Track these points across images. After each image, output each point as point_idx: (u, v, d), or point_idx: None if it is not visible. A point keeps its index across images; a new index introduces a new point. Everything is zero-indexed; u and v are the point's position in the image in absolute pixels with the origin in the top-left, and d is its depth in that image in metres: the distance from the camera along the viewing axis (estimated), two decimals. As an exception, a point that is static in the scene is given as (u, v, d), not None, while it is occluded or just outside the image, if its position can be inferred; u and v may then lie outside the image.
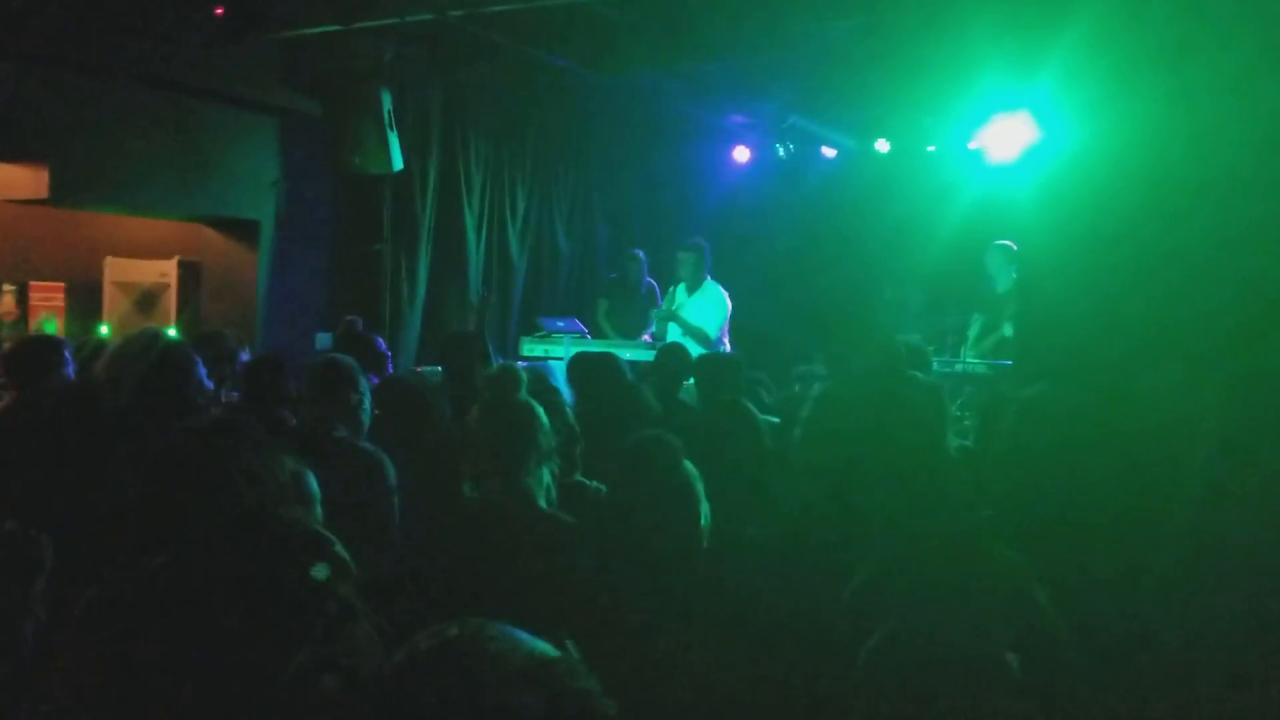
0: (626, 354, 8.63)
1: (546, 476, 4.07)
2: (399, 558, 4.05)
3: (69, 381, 5.27)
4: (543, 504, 3.98)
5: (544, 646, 1.38)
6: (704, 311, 10.07)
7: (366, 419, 4.90)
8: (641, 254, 11.52)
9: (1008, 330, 10.00)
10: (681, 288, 10.36)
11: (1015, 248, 10.05)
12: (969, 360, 10.09)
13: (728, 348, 9.98)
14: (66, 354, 5.40)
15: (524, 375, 5.37)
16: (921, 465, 2.90)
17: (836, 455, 3.06)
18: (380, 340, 7.64)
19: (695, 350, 8.50)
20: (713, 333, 9.96)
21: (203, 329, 7.67)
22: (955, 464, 3.97)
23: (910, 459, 2.84)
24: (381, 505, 4.48)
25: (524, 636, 1.39)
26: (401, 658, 1.36)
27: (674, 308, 10.21)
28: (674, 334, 9.92)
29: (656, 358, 7.34)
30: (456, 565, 3.71)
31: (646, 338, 10.58)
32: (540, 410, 4.16)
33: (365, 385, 4.94)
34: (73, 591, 2.71)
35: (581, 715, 1.34)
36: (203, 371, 4.73)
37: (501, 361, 6.52)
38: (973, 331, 10.47)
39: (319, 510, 3.28)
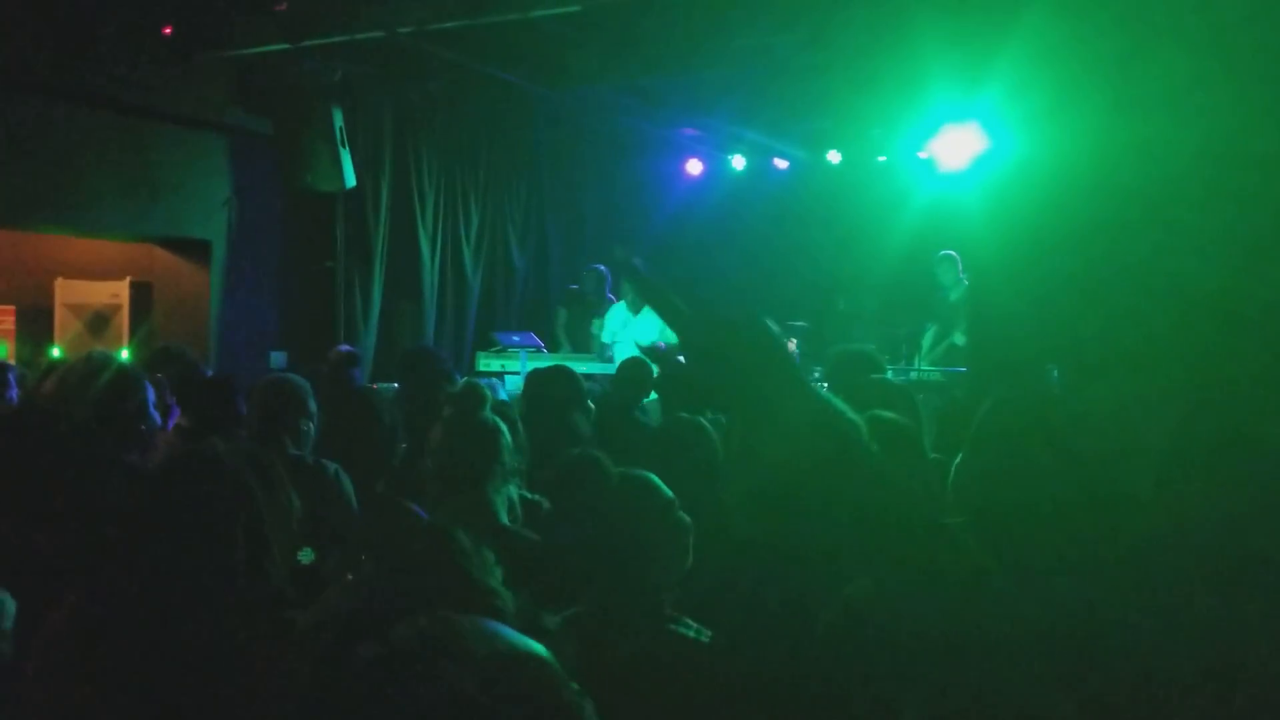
0: (582, 368, 8.65)
1: (513, 493, 4.08)
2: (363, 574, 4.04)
3: (12, 405, 5.23)
4: (505, 520, 3.98)
5: (522, 643, 1.36)
6: (656, 328, 10.12)
7: (310, 440, 4.91)
8: (603, 268, 11.56)
9: (958, 338, 10.12)
10: (622, 306, 10.42)
11: (957, 256, 10.23)
12: (923, 368, 10.19)
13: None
14: (11, 378, 5.35)
15: (488, 393, 5.36)
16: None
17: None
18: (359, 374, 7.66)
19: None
20: None
21: (164, 346, 7.61)
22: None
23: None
24: (343, 520, 4.48)
25: (503, 632, 1.37)
26: (375, 646, 1.35)
27: (622, 327, 10.26)
28: (626, 346, 9.99)
29: (618, 371, 7.34)
30: (420, 583, 3.70)
31: (609, 357, 10.63)
32: (504, 428, 4.16)
33: (315, 408, 4.94)
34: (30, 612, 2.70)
35: (548, 715, 1.32)
36: (151, 400, 4.66)
37: (464, 379, 6.49)
38: (926, 340, 10.58)
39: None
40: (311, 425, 4.91)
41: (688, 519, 2.99)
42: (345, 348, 9.00)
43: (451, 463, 4.04)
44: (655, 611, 2.83)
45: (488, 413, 4.51)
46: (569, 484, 3.99)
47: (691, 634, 2.82)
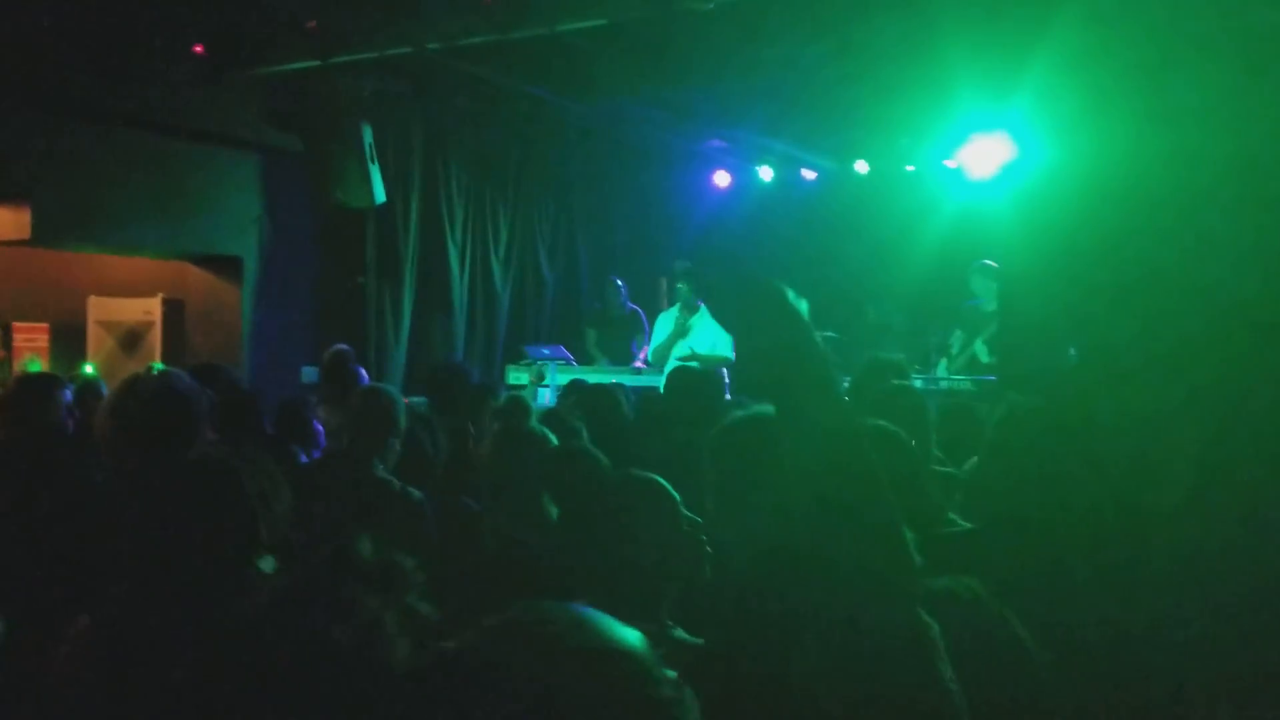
0: (626, 381, 8.63)
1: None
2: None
3: (57, 421, 5.26)
4: None
5: (614, 636, 1.29)
6: (713, 334, 10.13)
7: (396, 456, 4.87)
8: (619, 281, 11.58)
9: (979, 349, 10.04)
10: (676, 310, 10.39)
11: (997, 267, 10.13)
12: (952, 377, 10.14)
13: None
14: (67, 395, 5.36)
15: (532, 404, 5.38)
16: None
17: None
18: (363, 372, 7.65)
19: None
20: (730, 353, 10.06)
21: (198, 363, 7.67)
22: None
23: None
24: (427, 550, 4.46)
25: (598, 621, 1.30)
26: (461, 639, 1.30)
27: (675, 332, 10.26)
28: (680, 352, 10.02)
29: (666, 381, 7.28)
30: (481, 596, 3.72)
31: (638, 364, 10.62)
32: (553, 439, 4.20)
33: (404, 424, 4.90)
34: (56, 621, 2.74)
35: (643, 712, 1.25)
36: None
37: (510, 393, 6.53)
38: (954, 347, 10.52)
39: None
40: (399, 443, 4.86)
41: (698, 518, 2.94)
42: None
43: (506, 472, 4.06)
44: (652, 617, 2.80)
45: (534, 423, 4.55)
46: (561, 477, 4.01)
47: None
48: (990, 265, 10.21)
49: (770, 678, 2.23)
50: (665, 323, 10.45)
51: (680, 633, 2.83)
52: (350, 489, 4.48)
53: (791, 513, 2.15)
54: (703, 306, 10.28)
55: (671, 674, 1.29)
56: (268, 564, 2.49)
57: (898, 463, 3.43)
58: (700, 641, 2.77)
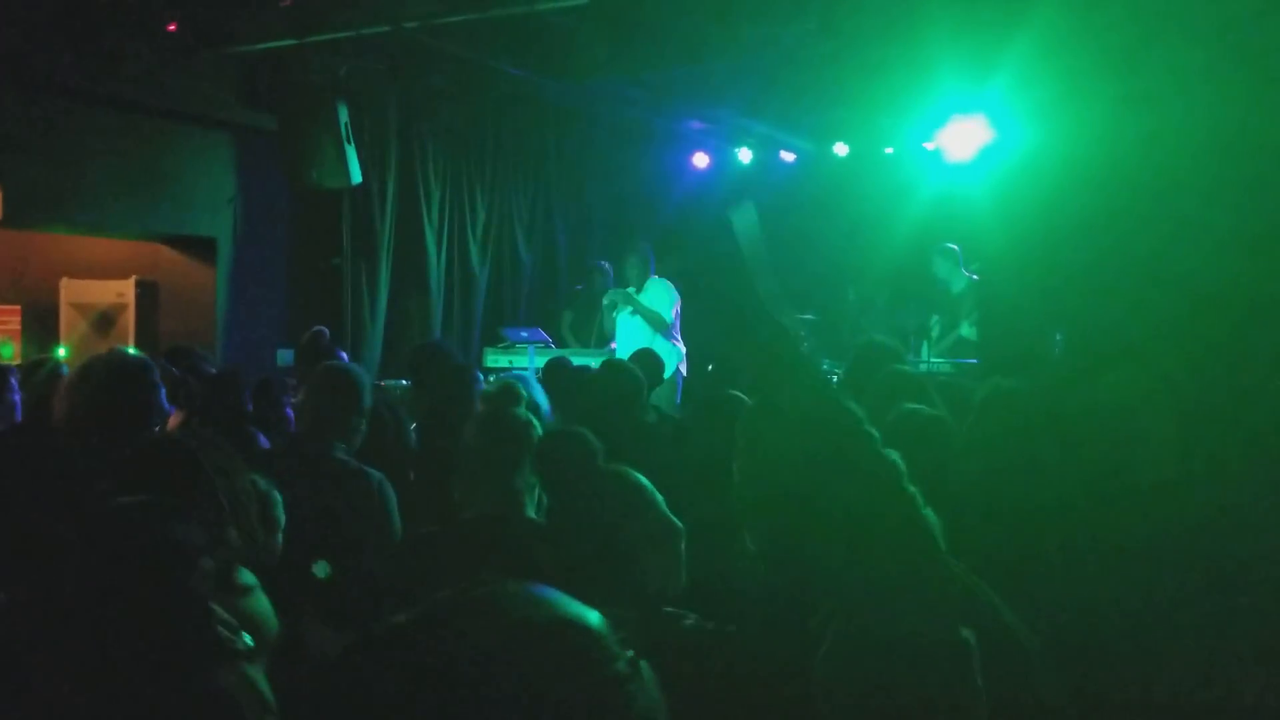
0: (594, 364, 8.62)
1: (537, 485, 4.09)
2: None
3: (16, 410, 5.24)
4: (531, 513, 3.99)
5: (570, 611, 1.24)
6: (654, 301, 10.15)
7: (361, 436, 4.84)
8: (607, 265, 11.54)
9: (965, 330, 10.12)
10: (630, 290, 10.44)
11: (958, 249, 10.29)
12: (932, 360, 10.15)
13: (679, 340, 10.09)
14: (13, 381, 5.33)
15: (523, 391, 5.36)
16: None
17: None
18: (344, 355, 7.60)
19: (649, 335, 9.49)
20: (667, 316, 10.06)
21: (172, 345, 7.61)
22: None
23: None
24: (385, 530, 4.47)
25: (553, 600, 1.25)
26: (407, 612, 1.28)
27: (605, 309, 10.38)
28: (625, 322, 10.09)
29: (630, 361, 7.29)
30: (447, 576, 3.71)
31: (613, 346, 10.61)
32: (537, 424, 4.18)
33: (368, 402, 4.84)
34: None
35: (579, 687, 1.19)
36: (161, 392, 4.59)
37: (503, 379, 6.48)
38: (934, 331, 10.56)
39: (280, 536, 3.37)
40: (364, 422, 4.81)
41: (679, 523, 2.92)
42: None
43: (483, 455, 4.04)
44: (654, 609, 2.77)
45: (522, 409, 4.53)
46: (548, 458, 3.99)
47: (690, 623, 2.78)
48: (950, 248, 10.38)
49: (779, 671, 2.22)
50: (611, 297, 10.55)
51: (686, 615, 2.80)
52: (309, 473, 4.44)
53: (778, 507, 2.13)
54: (650, 279, 10.32)
55: (628, 652, 1.23)
56: (249, 577, 2.49)
57: (936, 449, 3.42)
58: (692, 623, 2.75)
